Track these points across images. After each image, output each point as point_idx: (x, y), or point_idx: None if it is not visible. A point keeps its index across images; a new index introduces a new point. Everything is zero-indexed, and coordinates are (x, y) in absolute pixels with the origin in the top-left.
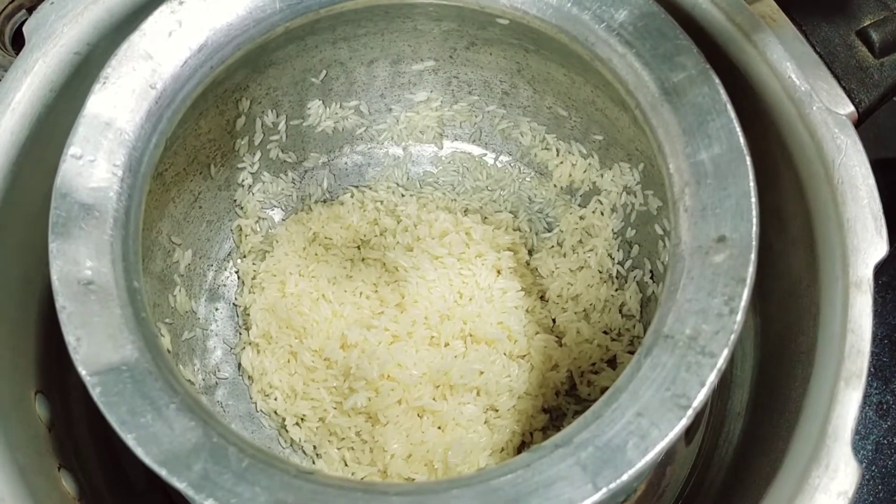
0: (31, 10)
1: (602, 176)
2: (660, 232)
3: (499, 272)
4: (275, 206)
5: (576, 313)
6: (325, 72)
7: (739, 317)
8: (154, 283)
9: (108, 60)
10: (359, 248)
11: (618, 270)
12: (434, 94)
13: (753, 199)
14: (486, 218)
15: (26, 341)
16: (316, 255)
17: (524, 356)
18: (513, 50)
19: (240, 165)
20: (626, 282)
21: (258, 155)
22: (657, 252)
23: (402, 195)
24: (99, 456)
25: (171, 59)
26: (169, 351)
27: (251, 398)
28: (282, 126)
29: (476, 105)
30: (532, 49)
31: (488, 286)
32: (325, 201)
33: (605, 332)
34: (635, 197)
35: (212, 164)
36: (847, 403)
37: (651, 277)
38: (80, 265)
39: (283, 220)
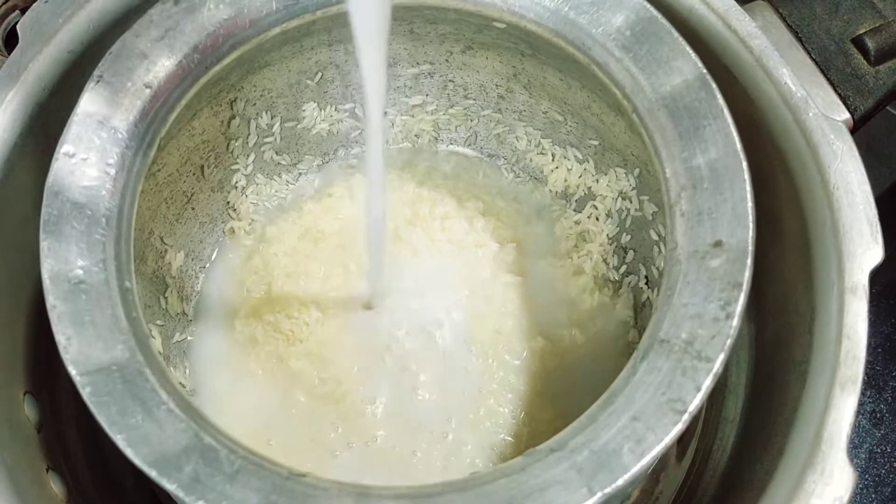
0: (24, 11)
1: (597, 181)
2: (655, 237)
3: (497, 267)
4: (268, 209)
5: (570, 318)
6: (320, 74)
7: (736, 321)
8: (146, 284)
9: (102, 59)
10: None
11: (612, 276)
12: (430, 97)
13: (750, 204)
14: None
15: (16, 342)
16: (306, 255)
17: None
18: (509, 54)
19: (233, 167)
20: (621, 287)
21: (252, 157)
22: (652, 258)
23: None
24: (87, 458)
25: (166, 58)
26: (160, 353)
27: None
28: (276, 128)
29: (471, 109)
30: (528, 53)
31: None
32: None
33: (599, 338)
34: (630, 202)
35: (205, 166)
36: (842, 409)
37: (646, 283)
38: (72, 264)
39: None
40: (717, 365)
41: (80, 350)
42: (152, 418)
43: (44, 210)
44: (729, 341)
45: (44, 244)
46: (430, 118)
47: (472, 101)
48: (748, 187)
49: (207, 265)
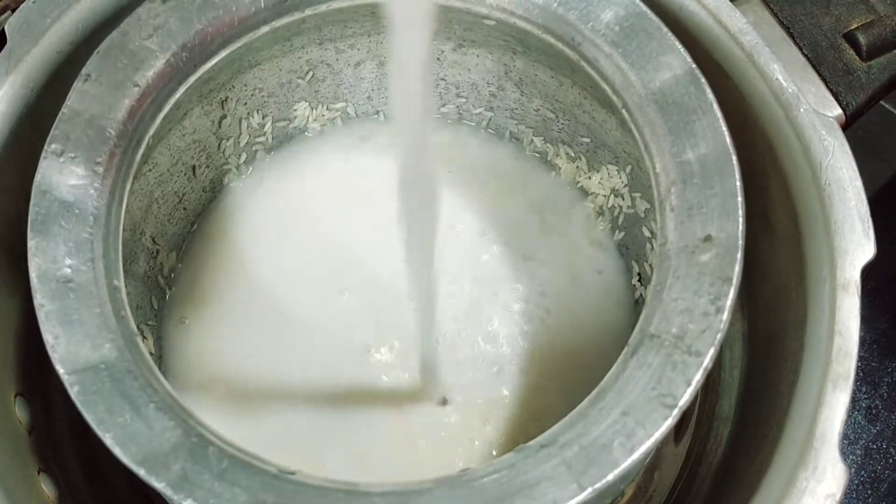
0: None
1: (590, 178)
2: (647, 234)
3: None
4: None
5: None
6: (311, 73)
7: (725, 316)
8: (137, 285)
9: (90, 58)
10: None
11: None
12: None
13: (740, 199)
14: None
15: (6, 343)
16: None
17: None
18: (500, 52)
19: (225, 167)
20: None
21: (243, 157)
22: (645, 255)
23: None
24: (79, 459)
25: (154, 56)
26: (152, 354)
27: None
28: (268, 127)
29: (463, 108)
30: (519, 51)
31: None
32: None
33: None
34: (623, 199)
35: (197, 166)
36: (834, 406)
37: (639, 280)
38: (59, 263)
39: None
40: (707, 359)
41: (68, 349)
42: (140, 417)
43: (31, 209)
44: (719, 336)
45: (32, 243)
46: None
47: (463, 100)
48: (738, 182)
49: None
